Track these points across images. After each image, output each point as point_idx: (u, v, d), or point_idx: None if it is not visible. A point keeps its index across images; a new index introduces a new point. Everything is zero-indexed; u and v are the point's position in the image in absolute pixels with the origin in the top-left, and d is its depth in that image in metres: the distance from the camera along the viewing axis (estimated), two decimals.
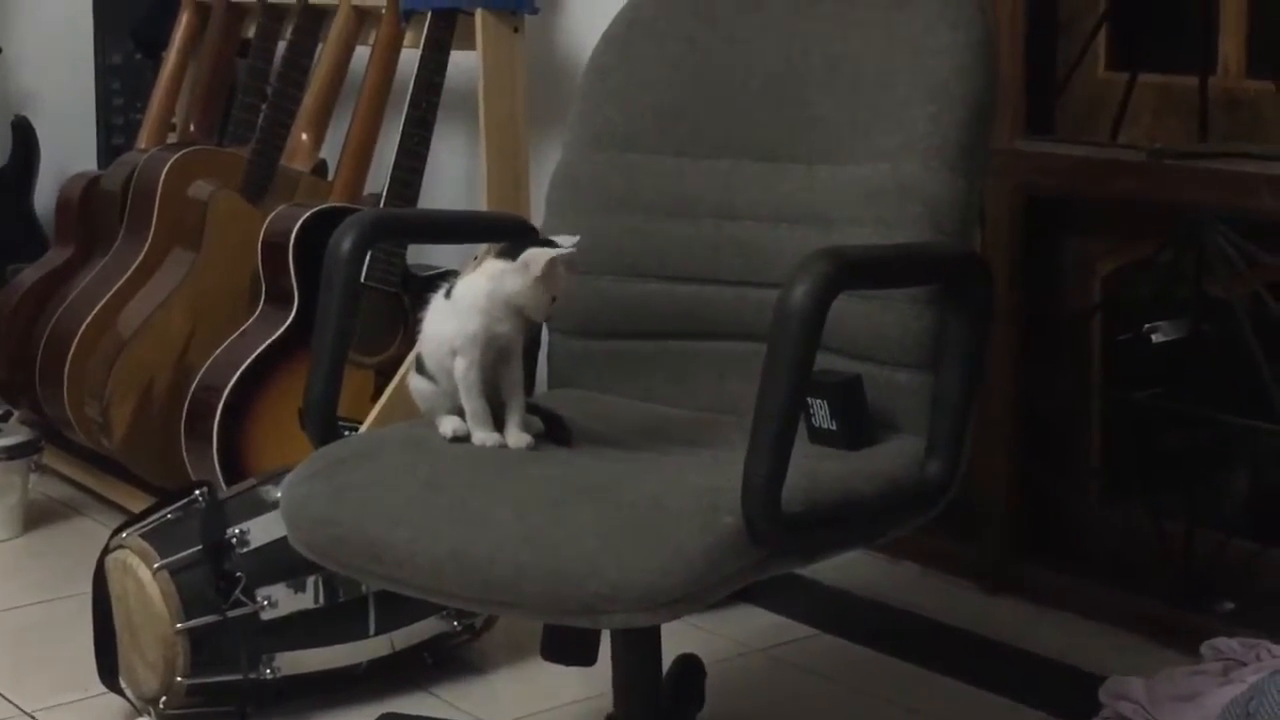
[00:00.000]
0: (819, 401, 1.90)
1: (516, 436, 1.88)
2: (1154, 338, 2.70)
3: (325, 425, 2.02)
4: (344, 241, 2.02)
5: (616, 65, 2.25)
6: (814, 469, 1.77)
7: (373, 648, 2.51)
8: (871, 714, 2.49)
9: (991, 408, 2.73)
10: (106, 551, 2.47)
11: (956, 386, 1.88)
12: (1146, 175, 2.51)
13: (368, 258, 3.00)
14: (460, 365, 1.87)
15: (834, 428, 1.90)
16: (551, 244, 1.87)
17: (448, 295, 1.91)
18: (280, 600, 2.42)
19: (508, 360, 1.89)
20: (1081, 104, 2.74)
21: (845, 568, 2.90)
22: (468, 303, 1.87)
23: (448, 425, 1.92)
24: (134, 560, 2.41)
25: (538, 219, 2.29)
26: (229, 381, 3.02)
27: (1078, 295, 2.75)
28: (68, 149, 4.31)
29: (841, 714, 2.50)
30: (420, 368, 1.95)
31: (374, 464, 1.90)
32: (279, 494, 2.03)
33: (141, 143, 3.78)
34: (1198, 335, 2.64)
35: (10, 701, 2.54)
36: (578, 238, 1.89)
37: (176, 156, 3.41)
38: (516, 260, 1.85)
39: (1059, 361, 2.76)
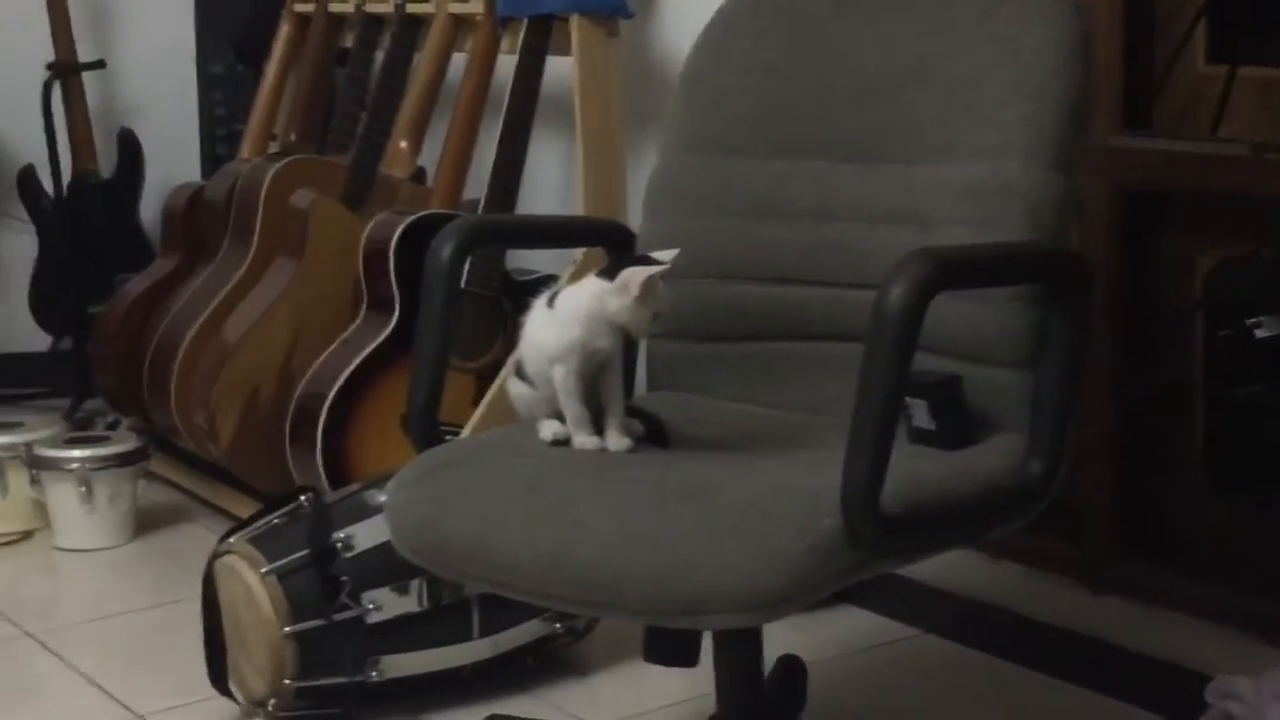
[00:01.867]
0: (918, 402, 1.90)
1: (616, 440, 1.90)
2: (1256, 333, 2.67)
3: (428, 430, 2.04)
4: (444, 248, 2.04)
5: (711, 69, 2.26)
6: (913, 470, 1.77)
7: (476, 650, 2.53)
8: (973, 714, 2.48)
9: (1093, 405, 2.71)
10: (215, 557, 2.51)
11: (1057, 385, 1.87)
12: (1247, 170, 2.49)
13: (467, 263, 3.04)
14: (559, 373, 1.88)
15: (933, 428, 1.90)
16: (650, 261, 1.87)
17: (550, 303, 1.92)
18: (385, 604, 2.44)
19: (607, 368, 1.90)
20: (1180, 99, 2.72)
21: (946, 567, 2.88)
22: (568, 315, 1.88)
23: (548, 429, 1.94)
24: (242, 565, 2.44)
25: (634, 223, 2.30)
26: (332, 388, 3.06)
27: (1178, 292, 2.72)
28: (172, 160, 4.37)
29: (943, 714, 2.50)
30: (520, 373, 1.96)
31: (476, 468, 1.92)
32: (383, 499, 2.05)
33: (244, 153, 3.83)
34: None
35: (123, 705, 2.59)
36: (677, 251, 1.90)
37: (278, 166, 3.46)
38: (615, 281, 1.85)
39: (1160, 358, 2.73)
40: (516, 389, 1.98)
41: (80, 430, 3.56)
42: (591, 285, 1.88)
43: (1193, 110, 2.70)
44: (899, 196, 2.05)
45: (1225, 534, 2.69)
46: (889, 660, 2.70)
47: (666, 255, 1.89)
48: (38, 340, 4.35)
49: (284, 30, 3.90)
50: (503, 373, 2.91)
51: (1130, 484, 2.78)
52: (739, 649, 2.03)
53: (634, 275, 1.84)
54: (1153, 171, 2.64)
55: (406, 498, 1.91)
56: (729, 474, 1.82)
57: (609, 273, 1.87)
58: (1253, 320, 2.65)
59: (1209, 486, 2.74)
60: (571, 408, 1.89)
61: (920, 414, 1.90)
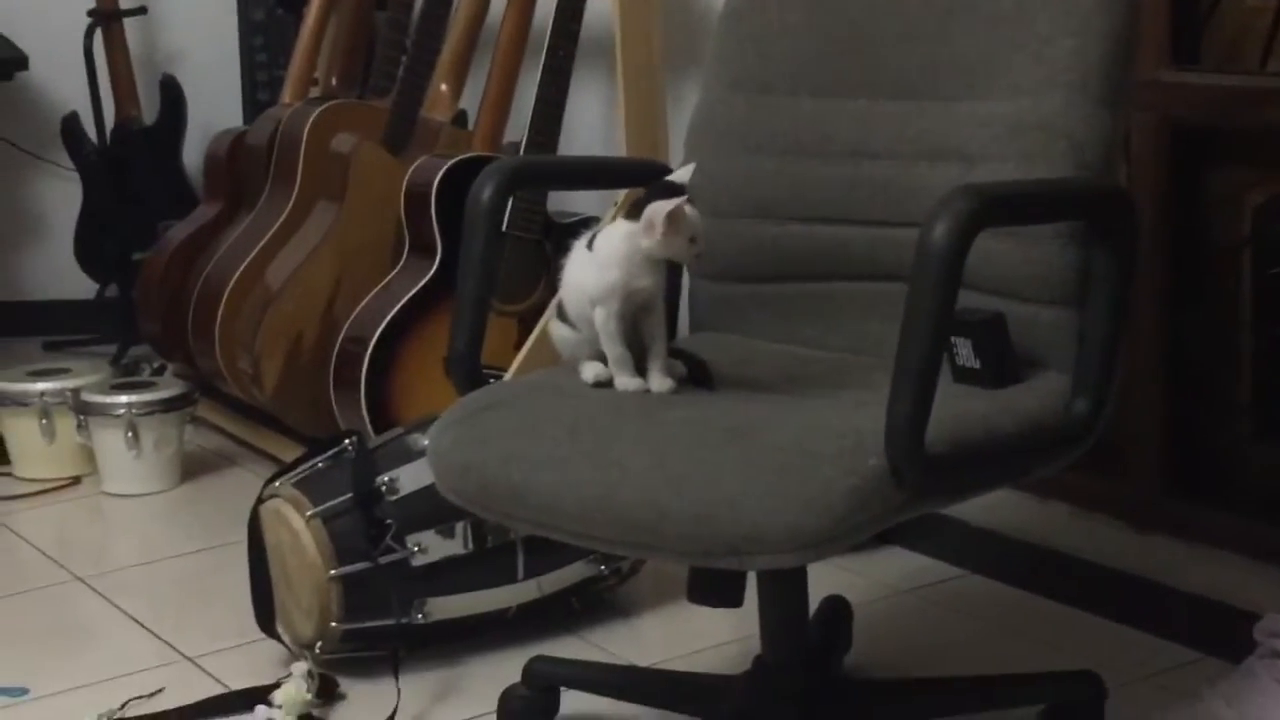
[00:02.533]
0: (962, 340, 1.89)
1: (659, 381, 1.89)
2: None
3: (470, 373, 2.04)
4: (484, 190, 2.04)
5: (752, 7, 2.24)
6: (958, 408, 1.76)
7: (521, 592, 2.53)
8: (1021, 654, 2.48)
9: (1139, 344, 2.69)
10: (260, 501, 2.52)
11: (1103, 322, 1.86)
12: None
13: (509, 206, 3.04)
14: (600, 315, 1.88)
15: (978, 366, 1.88)
16: (672, 189, 1.86)
17: (589, 245, 1.91)
18: (430, 546, 2.45)
19: (649, 309, 1.89)
20: (1229, 32, 2.68)
21: (992, 507, 2.87)
22: (606, 257, 1.88)
23: (590, 371, 1.93)
24: (287, 509, 2.45)
25: (676, 162, 2.28)
26: (375, 332, 3.06)
27: (1227, 228, 2.69)
28: (214, 106, 4.38)
29: (990, 654, 2.49)
30: (561, 315, 1.96)
31: (518, 410, 1.92)
32: (426, 442, 2.06)
33: (285, 98, 3.83)
34: None
35: (172, 647, 2.61)
36: (692, 166, 1.90)
37: (319, 110, 3.45)
38: (640, 220, 1.84)
39: (1208, 296, 2.71)
40: (559, 331, 1.98)
41: (126, 376, 3.58)
42: (624, 226, 1.87)
43: (1241, 43, 2.67)
44: (941, 133, 2.04)
45: (1272, 472, 2.67)
46: (935, 601, 2.70)
47: (684, 173, 1.89)
48: (84, 287, 4.37)
49: None
50: (545, 315, 2.91)
51: (1177, 422, 2.76)
52: (784, 590, 2.03)
53: (656, 212, 1.83)
54: (1200, 106, 2.61)
55: (449, 440, 1.92)
56: (772, 414, 1.81)
57: (636, 211, 1.86)
58: None
59: (1257, 425, 2.72)
60: (613, 349, 1.89)
61: (964, 352, 1.89)
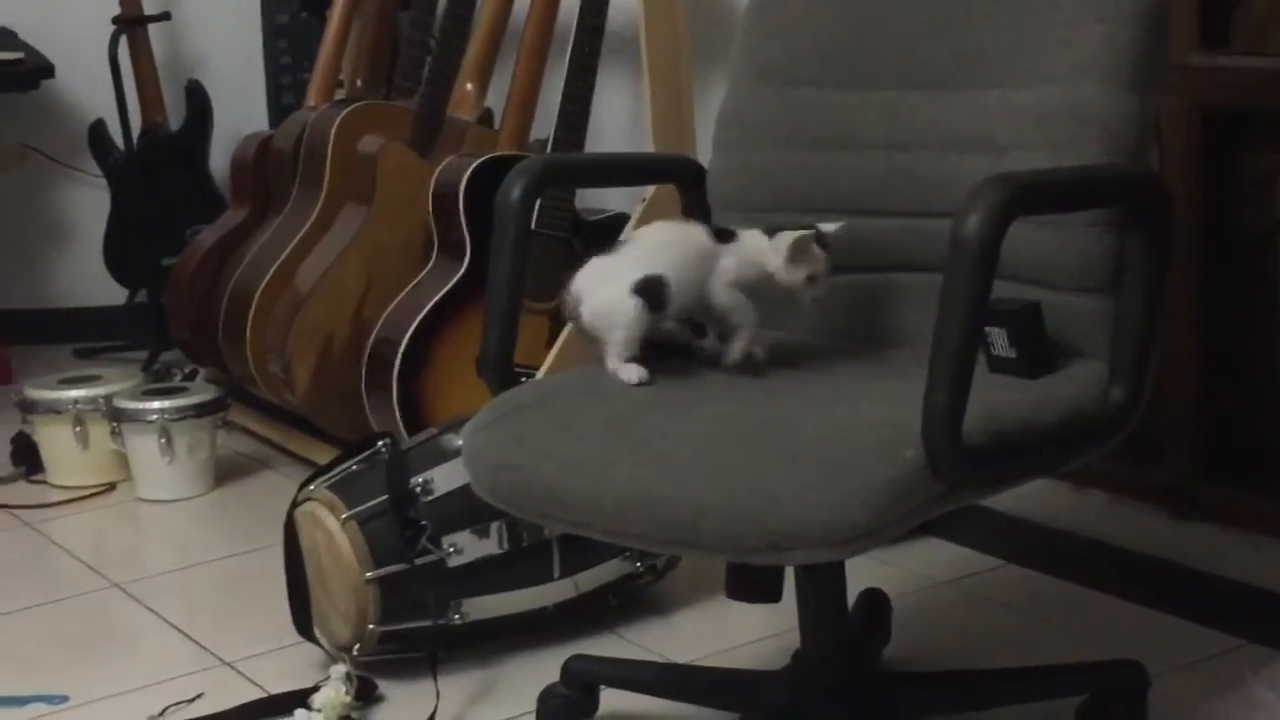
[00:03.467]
0: (997, 330, 1.88)
1: (738, 350, 1.95)
2: None
3: (502, 373, 2.04)
4: (513, 189, 2.03)
5: (778, 0, 2.23)
6: (994, 399, 1.75)
7: (558, 591, 2.53)
8: (1062, 643, 2.47)
9: (1175, 330, 2.68)
10: (295, 504, 2.52)
11: (1138, 310, 1.84)
12: None
13: (537, 204, 3.04)
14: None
15: (1013, 356, 1.87)
16: (809, 227, 1.95)
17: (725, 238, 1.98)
18: (465, 547, 2.45)
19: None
20: (1258, 15, 2.66)
21: (1030, 497, 2.86)
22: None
23: (634, 373, 1.93)
24: (322, 512, 2.45)
25: (704, 158, 2.28)
26: (406, 333, 3.06)
27: (1260, 213, 2.68)
28: (240, 110, 4.39)
29: (1031, 644, 2.48)
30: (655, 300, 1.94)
31: (552, 409, 1.91)
32: (459, 442, 2.06)
33: (310, 100, 3.83)
34: None
35: (210, 652, 2.61)
36: (843, 223, 1.99)
37: (345, 112, 3.46)
38: (771, 240, 1.95)
39: (1242, 281, 2.69)
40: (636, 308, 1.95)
41: (158, 381, 3.60)
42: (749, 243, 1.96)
43: (1271, 26, 2.65)
44: (971, 123, 2.03)
45: None
46: (973, 592, 2.69)
47: (831, 227, 1.98)
48: (114, 294, 4.39)
49: None
50: None
51: (1213, 409, 2.74)
52: (822, 584, 2.02)
53: (784, 238, 1.93)
54: (1231, 90, 2.59)
55: (483, 440, 1.91)
56: (808, 408, 1.80)
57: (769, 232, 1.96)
58: None
59: None
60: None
61: (1000, 342, 1.88)
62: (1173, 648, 2.39)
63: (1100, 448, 1.87)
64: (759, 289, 1.95)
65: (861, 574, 2.50)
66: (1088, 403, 1.83)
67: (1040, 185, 1.78)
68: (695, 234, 1.98)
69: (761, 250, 1.95)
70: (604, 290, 1.94)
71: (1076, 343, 1.90)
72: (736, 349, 1.94)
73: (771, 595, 2.01)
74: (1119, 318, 1.86)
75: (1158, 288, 1.85)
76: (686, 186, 2.26)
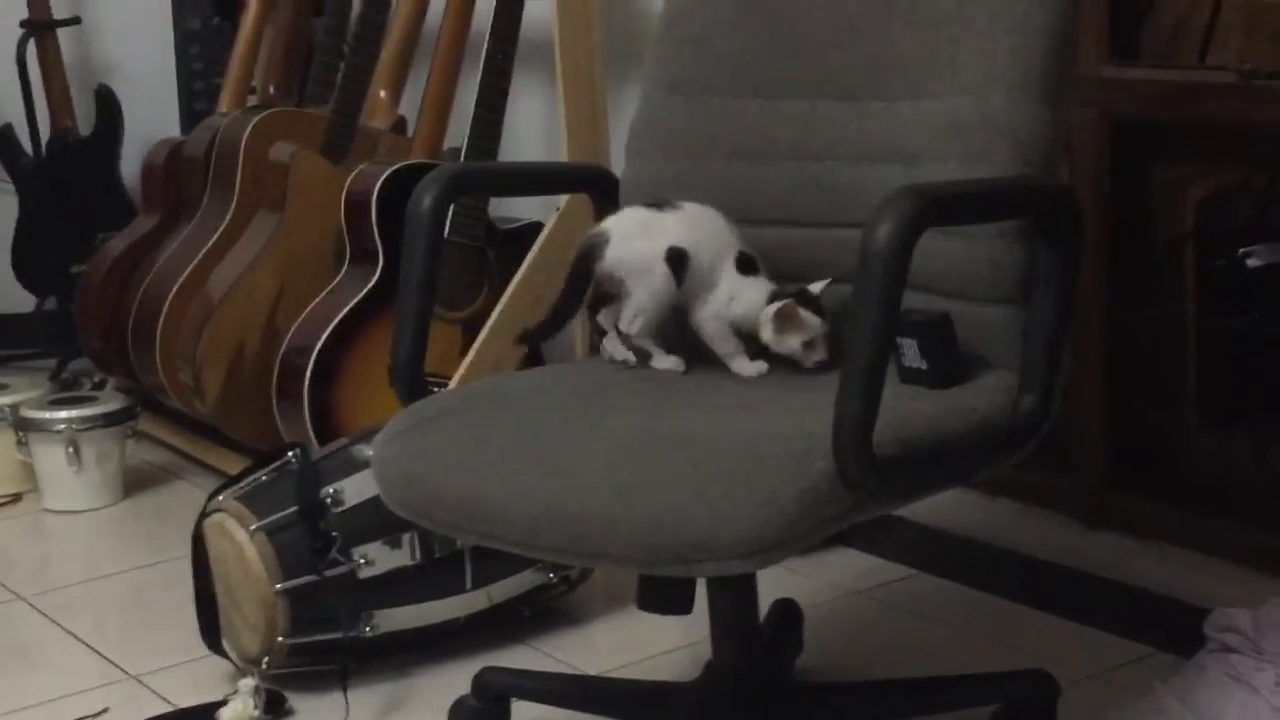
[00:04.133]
0: (908, 341, 1.88)
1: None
2: (1249, 262, 2.65)
3: (413, 383, 2.02)
4: (424, 198, 2.02)
5: (691, 8, 2.22)
6: (905, 409, 1.75)
7: (470, 602, 2.51)
8: (973, 652, 2.47)
9: (1085, 339, 2.70)
10: (203, 515, 2.49)
11: (1048, 320, 1.85)
12: (1237, 97, 2.46)
13: (450, 213, 3.01)
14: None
15: (924, 367, 1.88)
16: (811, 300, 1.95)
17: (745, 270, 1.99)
18: (377, 558, 2.43)
19: None
20: (1167, 27, 2.69)
21: (942, 507, 2.87)
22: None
23: (672, 362, 1.97)
24: (231, 523, 2.42)
25: (618, 166, 2.27)
26: (317, 342, 3.04)
27: (1170, 223, 2.70)
28: (151, 116, 4.34)
29: (943, 654, 2.49)
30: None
31: (462, 420, 1.89)
32: (370, 452, 2.03)
33: (222, 106, 3.80)
34: None
35: (117, 666, 2.57)
36: (828, 281, 1.97)
37: (257, 119, 3.43)
38: (765, 309, 1.95)
39: (1153, 290, 2.71)
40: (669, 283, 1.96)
41: (66, 390, 3.55)
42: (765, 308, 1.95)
43: (1180, 38, 2.67)
44: (884, 134, 2.03)
45: (1220, 466, 2.68)
46: (885, 601, 2.69)
47: (818, 287, 1.97)
48: (21, 301, 4.32)
49: None
50: (489, 323, 2.89)
51: (1124, 418, 2.77)
52: (733, 595, 2.02)
53: (768, 313, 1.94)
54: (1141, 102, 2.62)
55: (393, 451, 1.89)
56: (719, 419, 1.80)
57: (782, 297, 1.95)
58: (1245, 250, 2.63)
59: (1203, 418, 2.73)
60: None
61: (911, 353, 1.88)
62: (1083, 656, 2.40)
63: (1010, 457, 1.88)
64: (746, 327, 1.97)
65: (774, 584, 2.50)
66: (998, 413, 1.84)
67: (950, 196, 1.78)
68: (726, 243, 1.99)
69: (756, 316, 1.95)
70: (636, 244, 1.95)
71: (987, 353, 1.90)
72: (743, 370, 1.96)
73: (683, 607, 2.00)
74: (1029, 328, 1.87)
75: (1067, 298, 1.85)
76: (599, 196, 2.25)
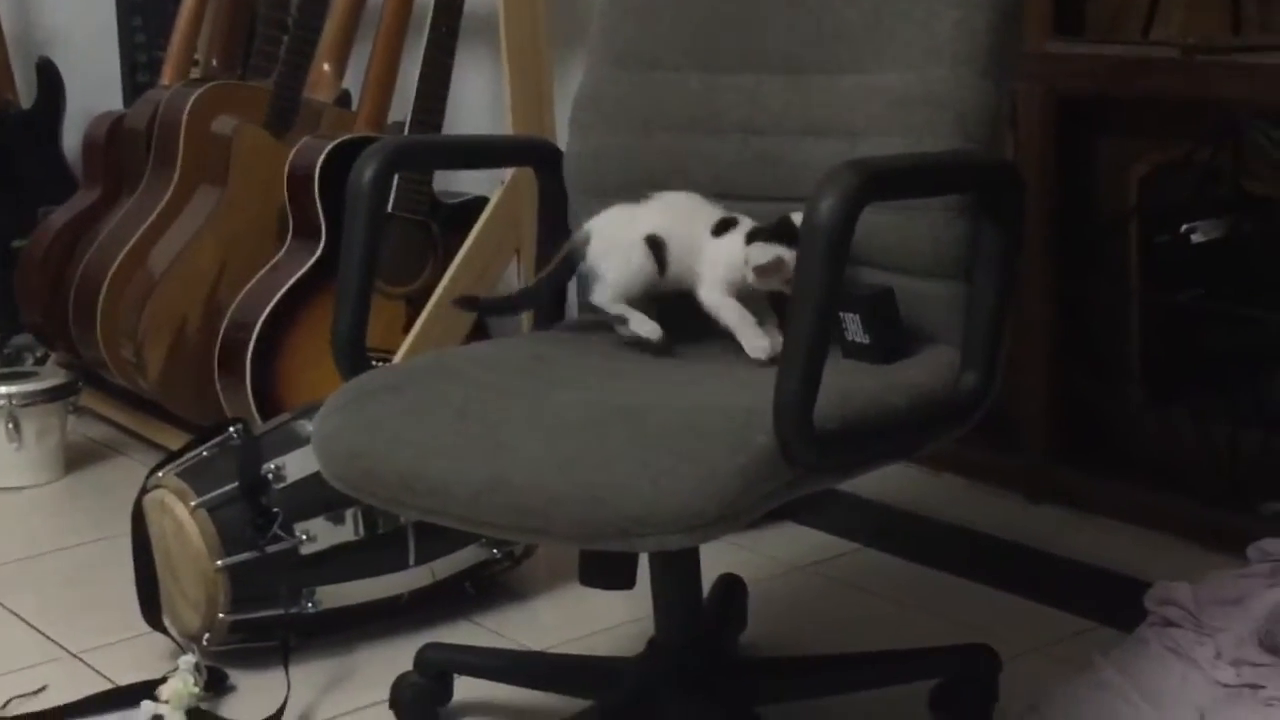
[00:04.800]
0: (851, 315, 1.87)
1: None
2: (1193, 238, 2.66)
3: (354, 357, 2.00)
4: (366, 170, 2.00)
5: None
6: (847, 384, 1.75)
7: (413, 578, 2.50)
8: (917, 627, 2.48)
9: (1029, 315, 2.70)
10: (144, 491, 2.47)
11: (991, 295, 1.85)
12: (1180, 72, 2.47)
13: (394, 187, 3.01)
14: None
15: (867, 341, 1.87)
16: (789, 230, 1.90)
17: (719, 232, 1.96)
18: (319, 534, 2.41)
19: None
20: (1112, 2, 2.69)
21: (887, 482, 2.88)
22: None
23: (647, 327, 1.95)
24: (171, 499, 2.40)
25: (562, 141, 2.26)
26: (260, 317, 3.02)
27: (1113, 198, 2.71)
28: (93, 89, 4.29)
29: (887, 628, 2.49)
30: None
31: (404, 394, 1.88)
32: (312, 428, 2.02)
33: (165, 79, 3.76)
34: (1237, 234, 2.60)
35: (56, 643, 2.55)
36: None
37: (199, 92, 3.40)
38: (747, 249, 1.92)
39: (1096, 266, 2.72)
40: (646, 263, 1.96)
41: (7, 366, 3.51)
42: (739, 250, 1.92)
43: (1125, 14, 2.68)
44: (828, 108, 2.02)
45: (1162, 441, 2.70)
46: (830, 576, 2.69)
47: (799, 217, 1.89)
48: None
49: None
50: (434, 297, 2.88)
51: (1067, 393, 2.78)
52: (676, 570, 2.01)
53: (753, 258, 1.90)
54: (1085, 77, 2.62)
55: (334, 426, 1.88)
56: (661, 394, 1.79)
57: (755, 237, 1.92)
58: (1189, 225, 2.65)
59: (1146, 394, 2.74)
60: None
61: (853, 328, 1.88)
62: (1025, 630, 2.41)
63: (953, 432, 1.88)
64: (739, 285, 1.93)
65: (718, 559, 2.50)
66: (940, 388, 1.83)
67: (893, 171, 1.78)
68: (702, 219, 1.98)
69: (739, 258, 1.91)
70: (616, 235, 1.97)
71: (929, 328, 1.90)
72: (751, 346, 1.91)
73: (625, 582, 2.00)
74: (971, 303, 1.87)
75: (1010, 273, 1.85)
76: (542, 169, 2.24)
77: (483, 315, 3.02)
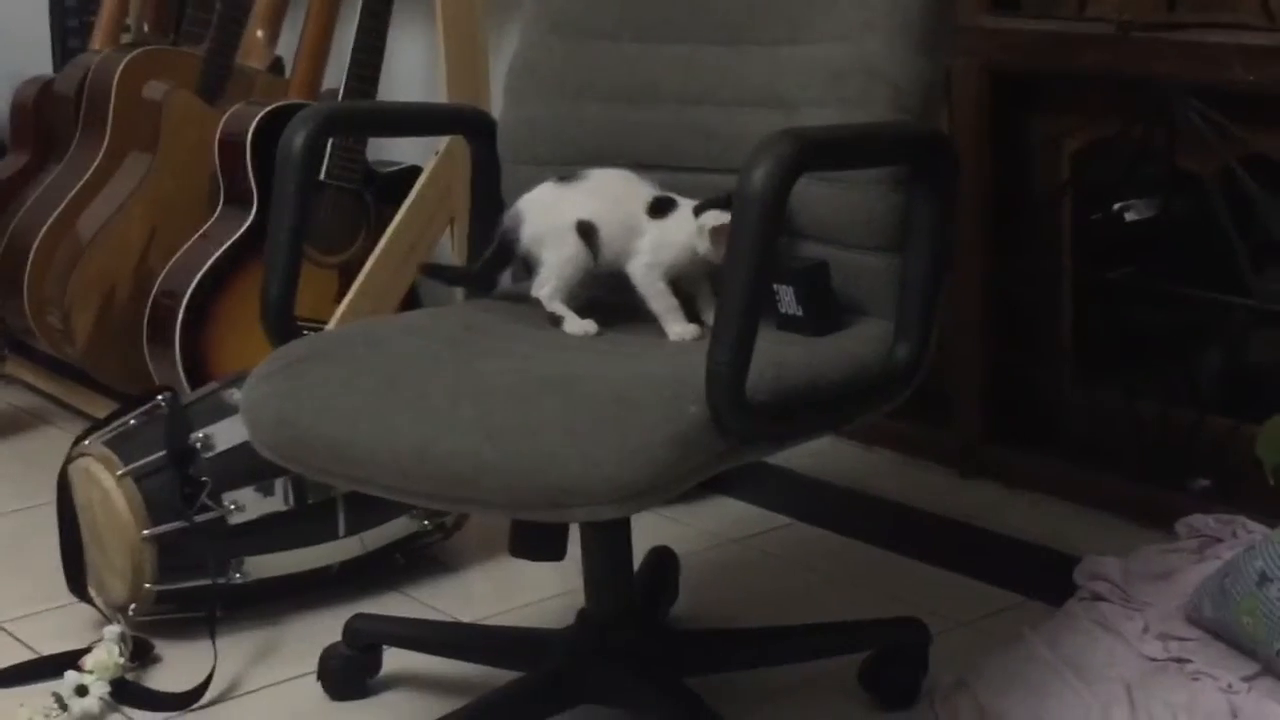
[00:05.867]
0: (785, 287, 1.87)
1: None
2: (1125, 216, 2.67)
3: (283, 325, 1.99)
4: (296, 136, 1.98)
5: None
6: (780, 356, 1.74)
7: (343, 549, 2.49)
8: (848, 601, 2.48)
9: (962, 290, 2.71)
10: (69, 460, 2.44)
11: (924, 268, 1.85)
12: (1114, 48, 2.47)
13: (327, 155, 2.98)
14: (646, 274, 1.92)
15: (800, 314, 1.87)
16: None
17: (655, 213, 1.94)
18: (248, 504, 2.39)
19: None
20: None
21: (820, 456, 2.89)
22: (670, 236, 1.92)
23: (579, 326, 1.93)
24: (97, 468, 2.38)
25: (496, 109, 2.24)
26: (189, 285, 2.99)
27: (1047, 174, 2.71)
28: (23, 53, 4.23)
29: (818, 602, 2.49)
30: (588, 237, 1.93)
31: (333, 362, 1.86)
32: (240, 396, 2.00)
33: (95, 44, 3.72)
34: (1170, 212, 2.61)
35: None
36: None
37: (130, 57, 3.36)
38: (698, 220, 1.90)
39: (1029, 242, 2.73)
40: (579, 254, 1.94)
41: None
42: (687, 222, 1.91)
43: None
44: (763, 78, 2.01)
45: (1092, 416, 2.71)
46: (762, 549, 2.69)
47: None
48: None
49: None
50: (366, 267, 2.86)
51: (1000, 369, 2.78)
52: (606, 542, 2.00)
53: (705, 224, 1.88)
54: (1020, 52, 2.62)
55: (262, 394, 1.86)
56: (593, 364, 1.78)
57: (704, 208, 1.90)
58: (1121, 203, 2.65)
59: (1077, 370, 2.75)
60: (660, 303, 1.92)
61: (787, 300, 1.87)
62: (955, 604, 2.42)
63: (885, 405, 1.88)
64: (681, 266, 1.91)
65: (650, 532, 2.49)
66: (872, 360, 1.83)
67: (827, 141, 1.77)
68: (634, 201, 1.95)
69: (689, 233, 1.89)
70: (547, 219, 1.95)
71: (863, 301, 1.90)
72: (673, 331, 1.90)
73: (555, 553, 1.99)
74: (905, 276, 1.87)
75: (943, 247, 1.85)
76: (476, 138, 2.22)
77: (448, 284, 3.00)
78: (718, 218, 1.85)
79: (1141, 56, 2.45)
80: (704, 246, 1.88)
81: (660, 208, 1.94)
